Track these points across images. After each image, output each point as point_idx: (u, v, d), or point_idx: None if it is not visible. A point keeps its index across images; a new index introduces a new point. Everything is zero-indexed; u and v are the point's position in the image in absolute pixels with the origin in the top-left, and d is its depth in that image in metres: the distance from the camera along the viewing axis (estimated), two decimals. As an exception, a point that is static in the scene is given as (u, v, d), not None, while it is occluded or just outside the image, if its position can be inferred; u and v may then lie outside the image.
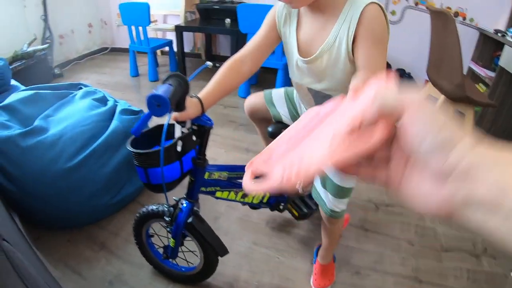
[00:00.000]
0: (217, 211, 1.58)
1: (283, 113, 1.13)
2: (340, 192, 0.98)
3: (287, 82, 2.53)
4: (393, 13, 3.03)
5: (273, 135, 1.10)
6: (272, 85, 2.74)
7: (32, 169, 1.35)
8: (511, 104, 2.39)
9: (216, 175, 1.03)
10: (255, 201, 1.21)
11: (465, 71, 2.79)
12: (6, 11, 3.08)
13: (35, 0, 3.24)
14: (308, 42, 0.83)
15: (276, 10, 0.90)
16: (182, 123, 0.84)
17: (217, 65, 0.96)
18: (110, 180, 1.50)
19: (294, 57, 0.88)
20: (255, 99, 1.20)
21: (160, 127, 1.05)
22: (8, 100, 1.64)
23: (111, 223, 1.52)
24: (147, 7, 2.93)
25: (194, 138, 0.90)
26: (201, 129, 0.88)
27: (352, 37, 0.73)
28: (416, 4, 2.92)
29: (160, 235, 1.21)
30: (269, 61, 2.61)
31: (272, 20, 0.91)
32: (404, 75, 2.98)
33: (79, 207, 1.45)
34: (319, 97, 0.90)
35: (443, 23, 1.84)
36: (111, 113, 1.65)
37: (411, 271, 1.31)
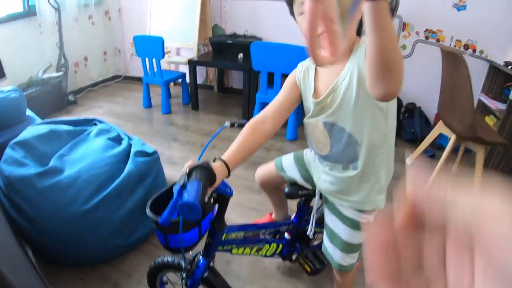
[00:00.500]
0: (229, 255, 1.57)
1: (296, 177, 1.15)
2: (348, 248, 0.99)
3: (300, 119, 2.56)
4: (403, 47, 3.04)
5: (289, 196, 1.14)
6: (284, 122, 2.75)
7: (47, 210, 1.38)
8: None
9: (233, 235, 1.04)
10: (268, 254, 1.22)
11: (475, 103, 2.79)
12: (23, 37, 3.19)
13: (51, 27, 3.33)
14: (323, 84, 0.88)
15: (296, 70, 0.95)
16: None
17: (235, 125, 0.99)
18: (124, 222, 1.52)
19: (309, 101, 0.91)
20: (267, 168, 1.24)
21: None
22: (24, 136, 1.69)
23: (124, 263, 1.53)
24: (161, 41, 2.97)
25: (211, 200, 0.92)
26: (220, 197, 0.90)
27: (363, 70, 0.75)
28: (427, 38, 2.94)
29: (175, 283, 1.22)
30: (269, 96, 2.65)
31: (293, 80, 0.95)
32: (414, 109, 2.97)
33: (93, 248, 1.47)
34: (335, 131, 0.89)
35: (455, 64, 1.86)
36: (126, 154, 1.67)
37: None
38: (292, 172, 1.16)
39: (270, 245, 1.21)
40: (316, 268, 1.26)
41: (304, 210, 1.25)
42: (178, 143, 2.69)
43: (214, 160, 0.82)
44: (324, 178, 0.99)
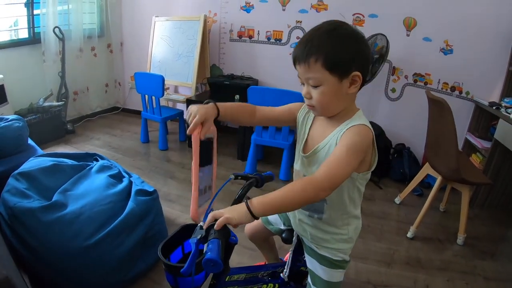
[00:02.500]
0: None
1: (282, 227, 1.25)
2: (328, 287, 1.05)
3: (292, 161, 2.65)
4: (393, 90, 3.22)
5: (286, 241, 1.21)
6: (278, 160, 2.85)
7: (50, 244, 1.41)
8: (506, 175, 2.51)
9: (235, 277, 1.10)
10: (266, 294, 1.28)
11: (461, 143, 2.94)
12: (26, 63, 3.28)
13: (54, 56, 3.43)
14: (311, 141, 0.98)
15: (302, 105, 1.05)
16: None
17: (239, 178, 1.06)
18: (124, 259, 1.55)
19: (299, 150, 1.02)
20: (254, 223, 1.32)
21: (186, 227, 1.14)
22: (27, 167, 1.73)
23: (122, 299, 1.56)
24: (161, 79, 3.06)
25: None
26: (227, 244, 0.96)
27: (338, 141, 0.86)
28: (415, 81, 3.12)
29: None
30: (276, 141, 2.76)
31: (296, 109, 1.06)
32: (404, 150, 3.10)
33: (93, 283, 1.49)
34: None
35: (440, 111, 1.99)
36: (127, 192, 1.73)
37: None
38: (278, 224, 1.26)
39: (267, 285, 1.26)
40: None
41: (298, 252, 1.32)
42: (175, 180, 2.75)
43: (207, 102, 0.95)
44: (299, 219, 1.07)
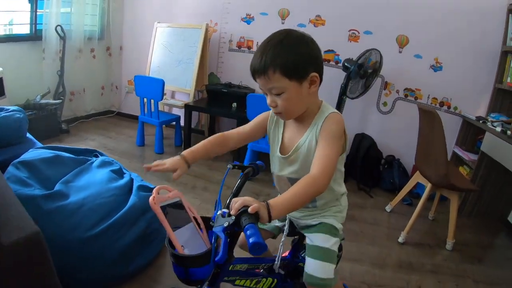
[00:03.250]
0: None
1: (275, 222, 1.30)
2: (326, 254, 1.09)
3: None
4: (384, 104, 3.35)
5: (288, 234, 1.24)
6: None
7: (51, 233, 1.37)
8: (492, 186, 2.62)
9: (238, 267, 1.13)
10: (264, 287, 1.31)
11: (449, 155, 3.06)
12: (25, 59, 3.27)
13: (53, 55, 3.43)
14: (288, 143, 1.07)
15: (269, 115, 1.13)
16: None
17: (236, 167, 1.13)
18: (124, 252, 1.55)
19: (276, 155, 1.10)
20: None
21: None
22: (28, 157, 1.72)
23: (119, 293, 1.55)
24: (162, 83, 3.11)
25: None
26: (232, 232, 1.00)
27: (318, 135, 0.96)
28: (406, 96, 3.26)
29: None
30: (261, 145, 2.85)
31: (264, 121, 1.14)
32: (394, 161, 3.20)
33: (91, 276, 1.47)
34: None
35: (430, 120, 2.10)
36: (129, 187, 1.75)
37: None
38: (273, 222, 1.31)
39: (267, 279, 1.29)
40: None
41: (297, 247, 1.37)
42: (171, 183, 2.76)
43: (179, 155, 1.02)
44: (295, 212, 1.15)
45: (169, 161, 1.00)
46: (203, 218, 1.04)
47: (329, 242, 1.11)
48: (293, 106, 0.96)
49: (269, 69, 0.89)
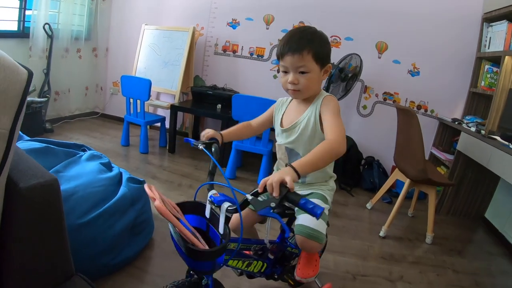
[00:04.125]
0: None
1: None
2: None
3: (270, 168, 2.77)
4: (364, 107, 3.50)
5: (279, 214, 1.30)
6: (256, 169, 3.01)
7: None
8: (468, 184, 2.77)
9: (231, 245, 1.18)
10: (255, 270, 1.35)
11: (427, 156, 3.21)
12: (11, 56, 3.13)
13: (40, 53, 3.38)
14: (289, 119, 1.27)
15: (276, 103, 1.37)
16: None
17: (204, 146, 1.15)
18: (113, 242, 1.57)
19: (278, 128, 1.30)
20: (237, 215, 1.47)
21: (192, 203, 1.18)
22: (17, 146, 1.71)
23: (107, 283, 1.55)
24: (149, 83, 3.13)
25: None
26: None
27: (319, 114, 1.15)
28: (385, 99, 3.42)
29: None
30: (256, 147, 2.89)
31: (272, 109, 1.37)
32: (373, 162, 3.33)
33: (81, 263, 1.46)
34: (292, 154, 1.28)
35: (408, 118, 2.22)
36: (118, 179, 1.77)
37: None
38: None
39: (257, 262, 1.34)
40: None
41: (287, 230, 1.42)
42: (157, 180, 2.77)
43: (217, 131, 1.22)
44: None
45: (212, 130, 1.20)
46: (178, 204, 1.06)
47: (321, 204, 1.17)
48: (311, 85, 1.14)
49: (305, 49, 1.07)
